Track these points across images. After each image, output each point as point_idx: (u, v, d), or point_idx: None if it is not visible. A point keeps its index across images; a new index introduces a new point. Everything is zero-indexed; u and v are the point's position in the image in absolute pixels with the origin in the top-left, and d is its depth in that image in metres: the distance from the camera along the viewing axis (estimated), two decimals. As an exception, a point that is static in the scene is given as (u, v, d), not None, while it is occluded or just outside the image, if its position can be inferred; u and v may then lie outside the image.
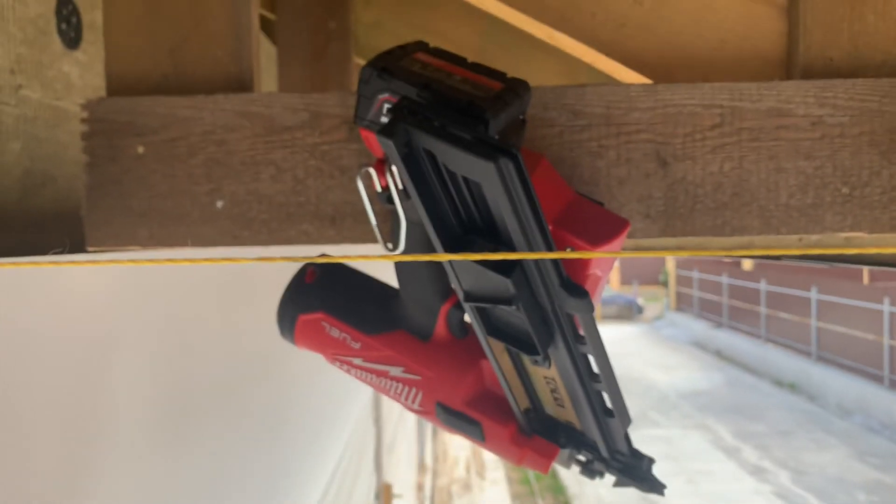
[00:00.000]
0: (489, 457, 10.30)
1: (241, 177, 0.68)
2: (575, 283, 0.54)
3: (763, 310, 15.06)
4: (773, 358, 14.19)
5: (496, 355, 0.61)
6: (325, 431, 2.36)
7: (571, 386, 0.60)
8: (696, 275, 19.33)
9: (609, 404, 0.61)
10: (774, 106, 0.65)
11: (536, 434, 0.65)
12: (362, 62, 0.66)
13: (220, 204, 0.68)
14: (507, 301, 0.53)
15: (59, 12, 0.85)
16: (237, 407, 1.39)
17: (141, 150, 0.68)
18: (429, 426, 8.60)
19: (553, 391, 0.63)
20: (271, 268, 1.49)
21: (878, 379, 11.12)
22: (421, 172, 0.51)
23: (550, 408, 0.66)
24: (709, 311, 18.43)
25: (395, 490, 3.50)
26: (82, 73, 0.90)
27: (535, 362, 0.59)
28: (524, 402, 0.65)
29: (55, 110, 0.88)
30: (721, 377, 14.31)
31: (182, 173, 0.68)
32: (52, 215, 0.90)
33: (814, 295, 13.06)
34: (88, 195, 0.69)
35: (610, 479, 0.68)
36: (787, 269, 20.57)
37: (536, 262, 0.53)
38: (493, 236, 0.54)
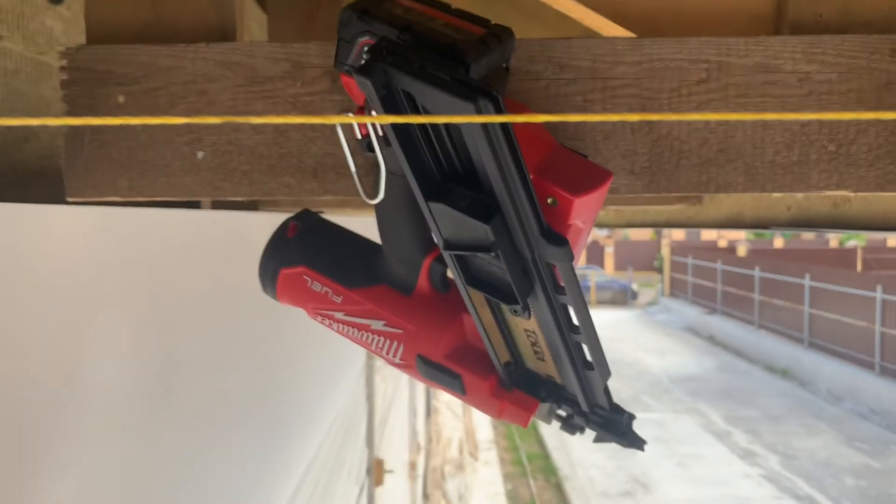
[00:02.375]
0: (482, 437, 10.36)
1: (223, 127, 0.67)
2: (555, 232, 0.53)
3: (756, 296, 15.12)
4: (765, 344, 14.26)
5: (476, 307, 0.61)
6: (317, 400, 2.37)
7: (551, 337, 0.59)
8: (690, 261, 19.37)
9: (589, 357, 0.61)
10: (762, 61, 0.65)
11: (517, 388, 0.65)
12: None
13: (200, 155, 0.67)
14: (487, 248, 0.53)
15: (41, -36, 0.83)
16: (225, 373, 1.39)
17: (121, 99, 0.67)
18: (422, 407, 8.64)
19: (534, 344, 0.63)
20: (263, 227, 1.48)
21: (868, 366, 11.20)
22: (400, 115, 0.50)
23: (531, 362, 0.66)
24: (703, 297, 18.49)
25: (387, 466, 3.52)
26: (66, 29, 0.89)
27: (515, 312, 0.58)
28: (505, 356, 0.65)
29: (38, 65, 0.87)
30: (713, 362, 14.39)
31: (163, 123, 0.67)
32: (36, 171, 0.89)
33: (807, 282, 13.10)
34: (68, 145, 0.68)
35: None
36: (780, 255, 20.64)
37: (517, 209, 0.52)
38: (473, 184, 0.54)
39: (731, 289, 16.59)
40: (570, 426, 0.67)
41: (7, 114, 0.78)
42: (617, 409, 0.65)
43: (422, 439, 8.05)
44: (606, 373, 0.61)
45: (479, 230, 0.52)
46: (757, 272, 15.18)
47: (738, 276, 16.15)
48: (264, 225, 1.54)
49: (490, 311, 0.62)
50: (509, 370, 0.65)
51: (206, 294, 1.27)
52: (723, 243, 24.62)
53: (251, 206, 1.52)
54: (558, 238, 0.53)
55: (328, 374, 2.63)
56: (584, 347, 0.61)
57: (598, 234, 30.23)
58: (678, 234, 28.26)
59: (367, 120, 0.53)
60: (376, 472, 3.29)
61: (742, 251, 21.38)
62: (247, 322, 1.51)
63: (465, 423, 10.82)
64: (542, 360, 0.64)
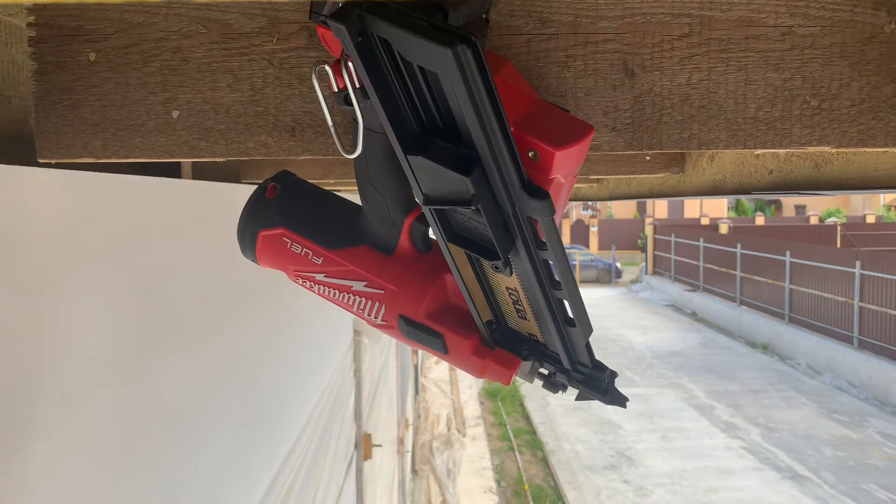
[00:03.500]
0: (470, 413, 10.44)
1: (197, 85, 0.65)
2: (536, 185, 0.53)
3: (738, 273, 15.27)
4: (747, 320, 14.44)
5: (458, 265, 0.60)
6: (305, 374, 2.36)
7: (533, 293, 0.59)
8: (673, 239, 19.49)
9: (570, 313, 0.61)
10: (745, 15, 0.64)
11: (499, 346, 0.65)
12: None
13: (175, 114, 0.66)
14: (467, 202, 0.52)
15: (6, -80, 0.81)
16: (210, 343, 1.37)
17: (92, 56, 0.65)
18: (410, 384, 8.67)
19: (515, 303, 0.63)
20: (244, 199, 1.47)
21: (847, 340, 11.38)
22: (377, 63, 0.49)
23: (513, 320, 0.65)
24: (685, 274, 18.65)
25: (375, 441, 3.53)
26: (34, -11, 0.86)
27: (497, 269, 0.58)
28: (486, 315, 0.65)
29: (7, 27, 0.85)
30: (696, 338, 14.55)
31: (136, 81, 0.66)
32: (7, 137, 0.87)
33: (787, 259, 13.25)
34: (38, 105, 0.66)
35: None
36: (762, 232, 20.82)
37: (497, 161, 0.51)
38: (453, 137, 0.53)
39: (713, 266, 16.74)
40: (552, 384, 0.67)
41: (-25, 76, 0.76)
42: (599, 367, 0.65)
43: (410, 416, 8.09)
44: (588, 329, 0.61)
45: (459, 183, 0.52)
46: (739, 249, 15.32)
47: (721, 253, 16.30)
48: (246, 195, 1.52)
49: (472, 269, 0.61)
50: (491, 329, 0.65)
51: (189, 265, 1.25)
52: (705, 221, 24.78)
53: (233, 177, 1.50)
54: (539, 191, 0.52)
55: (316, 348, 2.63)
56: (566, 304, 0.61)
57: (582, 213, 30.31)
58: (661, 213, 28.42)
59: (346, 67, 0.52)
60: (364, 446, 3.31)
61: (724, 229, 21.55)
62: (231, 294, 1.49)
63: (452, 399, 10.89)
64: (525, 318, 0.64)
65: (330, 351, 2.92)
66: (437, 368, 12.92)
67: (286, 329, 2.11)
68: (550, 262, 0.57)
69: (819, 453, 8.61)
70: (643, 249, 23.14)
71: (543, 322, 0.62)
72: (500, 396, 11.16)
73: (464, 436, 9.54)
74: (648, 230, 21.82)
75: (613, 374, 0.66)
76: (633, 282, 22.41)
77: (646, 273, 21.60)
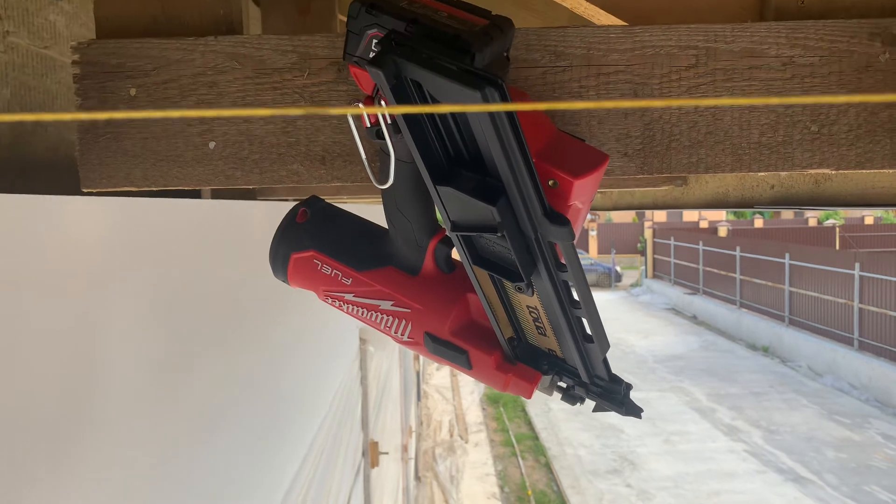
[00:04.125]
0: (472, 420, 10.45)
1: (233, 118, 0.69)
2: (557, 212, 0.56)
3: (738, 276, 15.31)
4: (747, 322, 14.47)
5: (482, 285, 0.64)
6: (315, 384, 2.40)
7: (553, 312, 0.63)
8: (672, 242, 19.54)
9: (589, 330, 0.65)
10: (747, 47, 0.68)
11: (520, 362, 0.69)
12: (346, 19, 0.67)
13: (212, 145, 0.70)
14: (493, 229, 0.56)
15: (42, -41, 0.85)
16: (229, 359, 1.41)
17: (133, 92, 0.69)
18: (413, 392, 8.69)
19: (535, 320, 0.67)
20: (263, 217, 1.51)
21: (847, 342, 11.41)
22: (410, 103, 0.53)
23: (533, 337, 0.69)
24: (685, 277, 18.69)
25: (381, 448, 3.57)
26: (68, 23, 0.90)
27: (519, 290, 0.62)
28: (508, 331, 0.68)
29: (43, 59, 0.89)
30: (697, 341, 14.58)
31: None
32: (43, 163, 0.90)
33: (787, 261, 13.29)
34: (82, 137, 0.70)
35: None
36: (760, 234, 20.85)
37: (520, 191, 0.55)
38: (478, 168, 0.57)
39: (712, 269, 16.78)
40: (570, 397, 0.71)
41: (16, 108, 0.79)
42: (615, 380, 0.69)
43: (413, 423, 8.11)
44: (605, 345, 0.65)
45: (485, 211, 0.56)
46: (738, 252, 15.37)
47: (720, 256, 16.34)
48: (262, 213, 1.56)
49: (494, 289, 0.65)
50: (513, 345, 0.69)
51: (209, 282, 1.29)
52: (704, 224, 24.85)
53: (249, 194, 1.54)
54: (560, 218, 0.56)
55: (325, 358, 2.66)
56: (584, 321, 0.64)
57: (581, 217, 30.23)
58: (660, 217, 28.45)
59: (382, 110, 0.56)
60: (372, 454, 3.34)
61: (723, 232, 21.60)
62: (248, 308, 1.53)
63: (455, 405, 10.91)
64: (544, 334, 0.68)
65: (338, 360, 2.95)
66: (439, 375, 12.95)
67: (299, 340, 2.14)
68: (570, 282, 0.61)
69: (821, 455, 8.63)
70: (643, 253, 23.19)
71: (563, 338, 0.65)
72: (502, 402, 11.18)
73: (466, 442, 9.56)
74: (648, 234, 21.87)
75: (629, 387, 0.70)
76: (634, 285, 22.45)
77: (646, 277, 21.64)
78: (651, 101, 0.69)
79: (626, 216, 31.63)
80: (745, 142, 0.69)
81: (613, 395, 0.69)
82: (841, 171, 0.93)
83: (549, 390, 0.71)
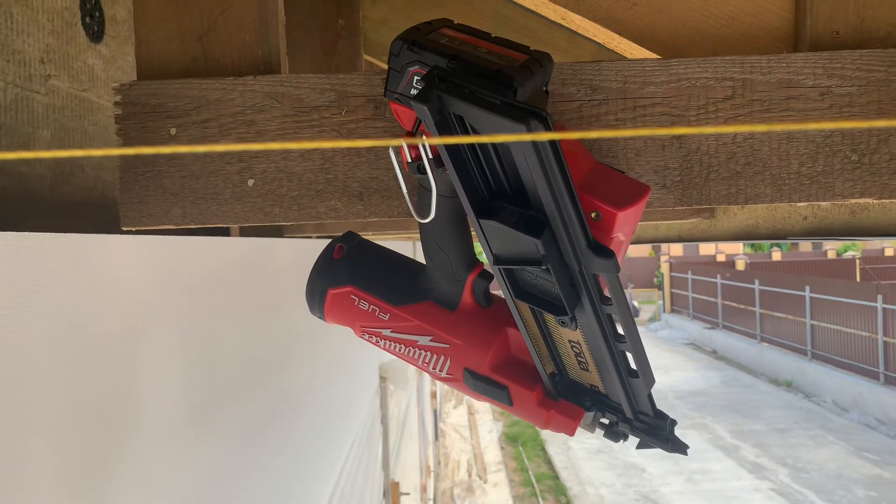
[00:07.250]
0: (491, 459, 10.30)
1: (272, 156, 0.70)
2: (601, 244, 0.56)
3: (757, 309, 15.12)
4: (768, 357, 14.24)
5: (523, 319, 0.63)
6: (337, 426, 2.38)
7: (596, 346, 0.62)
8: (690, 276, 19.39)
9: (633, 364, 0.64)
10: (784, 77, 0.68)
11: (562, 398, 0.68)
12: (371, 59, 0.69)
13: (251, 182, 0.70)
14: (537, 262, 0.56)
15: (83, 5, 0.87)
16: (255, 401, 1.40)
17: (173, 131, 0.70)
18: (431, 430, 8.59)
19: (577, 355, 0.66)
20: (289, 251, 1.51)
21: (873, 375, 11.18)
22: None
23: (574, 372, 0.68)
24: (704, 312, 18.49)
25: (402, 489, 3.51)
26: (105, 66, 0.92)
27: (563, 323, 0.61)
28: (550, 367, 0.67)
29: (81, 101, 0.91)
30: (718, 377, 14.35)
31: (213, 153, 0.70)
32: (81, 203, 0.92)
33: (807, 294, 13.13)
34: (123, 177, 0.71)
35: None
36: (779, 268, 20.66)
37: (564, 224, 0.55)
38: (520, 201, 0.56)
39: (731, 303, 16.60)
40: (613, 434, 0.69)
41: (56, 149, 0.81)
42: (660, 415, 0.67)
43: (431, 462, 8.00)
44: (651, 380, 0.64)
45: (529, 245, 0.55)
46: (756, 286, 15.20)
47: (738, 289, 16.17)
48: (291, 249, 1.57)
49: (535, 323, 0.64)
50: (554, 380, 0.68)
51: (239, 318, 1.29)
52: (721, 258, 24.67)
53: (276, 231, 1.55)
54: (605, 251, 0.55)
55: (346, 398, 2.65)
56: (629, 355, 0.63)
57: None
58: (676, 250, 28.30)
59: (431, 141, 0.56)
60: (393, 494, 3.28)
61: (741, 265, 21.43)
62: (274, 343, 1.53)
63: (473, 444, 10.76)
64: (586, 369, 0.67)
65: (360, 398, 2.93)
66: (456, 413, 12.81)
67: (323, 378, 2.13)
68: (614, 315, 0.60)
69: (851, 493, 8.39)
70: (660, 287, 23.01)
71: (606, 373, 0.64)
72: (521, 441, 11.02)
73: (485, 482, 9.40)
74: (664, 268, 21.73)
75: (674, 423, 0.68)
76: (651, 320, 22.23)
77: (663, 311, 21.44)
78: (687, 129, 0.68)
79: (643, 250, 31.48)
80: (784, 172, 0.69)
81: (659, 432, 0.68)
82: (882, 201, 0.92)
83: (591, 427, 0.69)
